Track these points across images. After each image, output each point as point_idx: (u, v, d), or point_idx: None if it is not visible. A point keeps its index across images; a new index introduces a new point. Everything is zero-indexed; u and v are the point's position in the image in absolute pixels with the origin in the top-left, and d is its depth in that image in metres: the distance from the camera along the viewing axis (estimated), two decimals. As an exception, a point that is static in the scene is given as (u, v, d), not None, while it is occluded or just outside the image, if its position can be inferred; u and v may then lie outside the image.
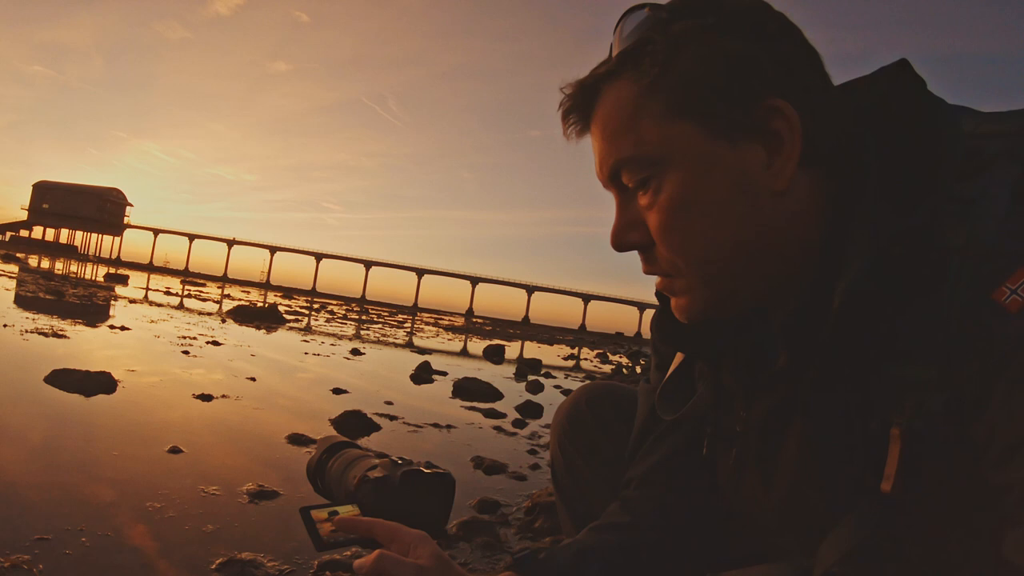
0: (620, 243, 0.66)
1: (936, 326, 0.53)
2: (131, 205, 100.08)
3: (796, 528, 0.69)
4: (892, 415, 0.55)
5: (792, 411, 0.66)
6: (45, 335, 4.86)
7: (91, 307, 8.78)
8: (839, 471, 0.61)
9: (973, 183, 0.55)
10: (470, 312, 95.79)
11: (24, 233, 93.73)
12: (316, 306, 25.66)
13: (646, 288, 0.74)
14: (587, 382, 1.10)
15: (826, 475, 0.63)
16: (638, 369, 8.39)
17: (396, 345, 10.53)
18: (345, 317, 18.43)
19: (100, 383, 3.18)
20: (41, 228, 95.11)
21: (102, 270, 32.35)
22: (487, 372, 7.33)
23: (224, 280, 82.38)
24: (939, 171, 0.57)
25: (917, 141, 0.59)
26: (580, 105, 0.66)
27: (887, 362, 0.55)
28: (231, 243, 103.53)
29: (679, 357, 0.81)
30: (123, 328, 6.29)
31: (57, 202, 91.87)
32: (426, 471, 0.74)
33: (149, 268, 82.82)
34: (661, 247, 0.63)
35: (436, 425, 3.60)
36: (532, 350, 15.18)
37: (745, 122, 0.59)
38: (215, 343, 6.10)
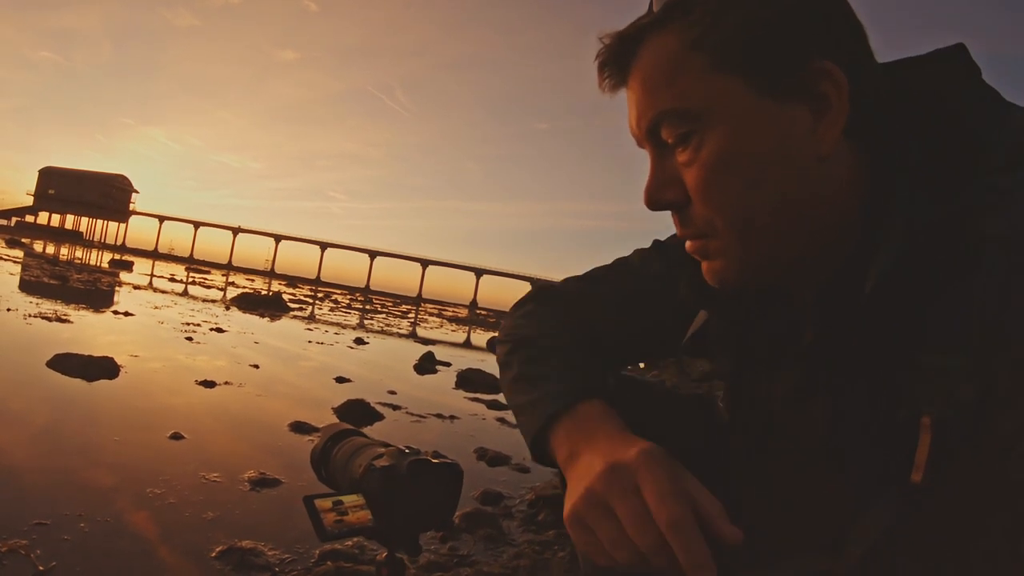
0: (655, 201, 0.64)
1: (970, 314, 0.51)
2: (137, 192, 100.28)
3: (813, 518, 0.67)
4: (922, 404, 0.53)
5: (815, 392, 0.65)
6: (48, 320, 4.85)
7: (95, 292, 8.79)
8: (863, 459, 0.59)
9: (1012, 175, 0.54)
10: (474, 303, 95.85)
11: (30, 219, 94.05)
12: (320, 295, 25.68)
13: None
14: None
15: (849, 463, 0.61)
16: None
17: (400, 335, 10.52)
18: (349, 306, 18.43)
19: (103, 368, 3.17)
20: (47, 214, 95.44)
21: (107, 256, 32.45)
22: (490, 363, 7.30)
23: (229, 268, 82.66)
24: (980, 161, 0.56)
25: (963, 129, 0.58)
26: (619, 57, 0.63)
27: (917, 349, 0.54)
28: (236, 231, 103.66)
29: (701, 317, 0.79)
30: (127, 314, 6.28)
31: (63, 188, 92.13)
32: (434, 461, 0.72)
33: (154, 255, 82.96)
34: (699, 205, 0.62)
35: (439, 415, 3.58)
36: (535, 342, 15.12)
37: (793, 82, 0.57)
38: (219, 330, 6.09)
